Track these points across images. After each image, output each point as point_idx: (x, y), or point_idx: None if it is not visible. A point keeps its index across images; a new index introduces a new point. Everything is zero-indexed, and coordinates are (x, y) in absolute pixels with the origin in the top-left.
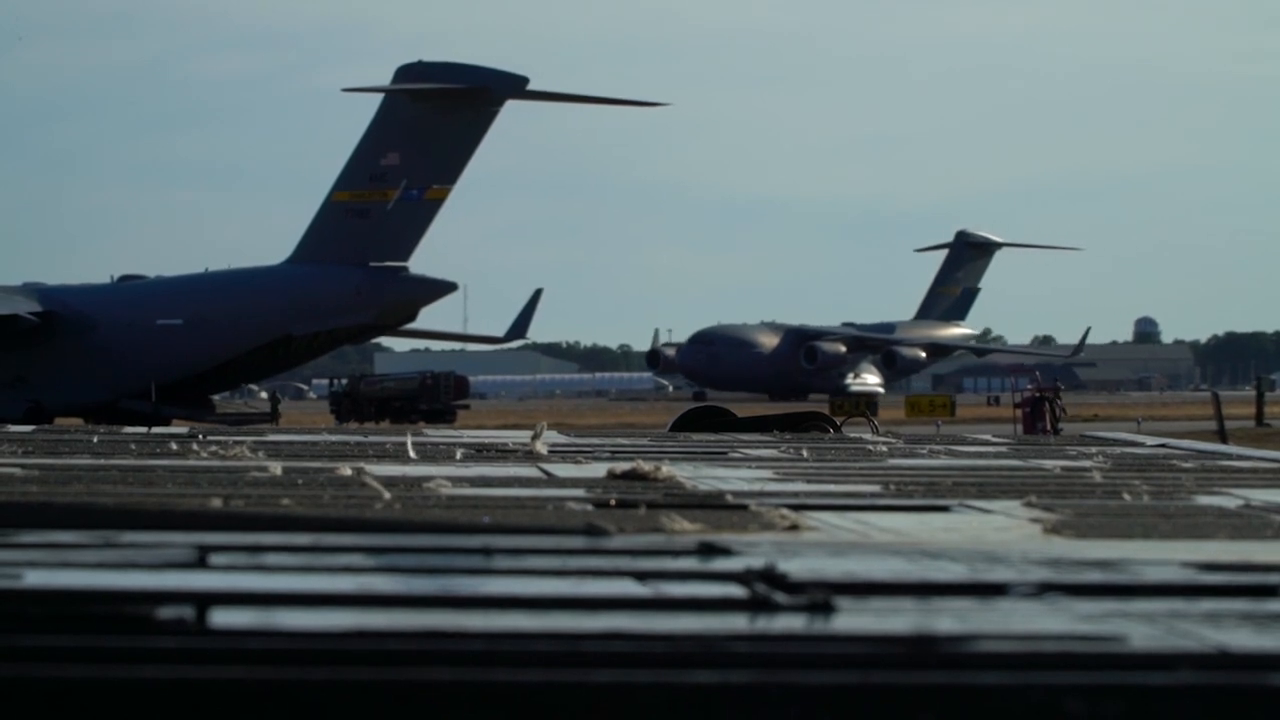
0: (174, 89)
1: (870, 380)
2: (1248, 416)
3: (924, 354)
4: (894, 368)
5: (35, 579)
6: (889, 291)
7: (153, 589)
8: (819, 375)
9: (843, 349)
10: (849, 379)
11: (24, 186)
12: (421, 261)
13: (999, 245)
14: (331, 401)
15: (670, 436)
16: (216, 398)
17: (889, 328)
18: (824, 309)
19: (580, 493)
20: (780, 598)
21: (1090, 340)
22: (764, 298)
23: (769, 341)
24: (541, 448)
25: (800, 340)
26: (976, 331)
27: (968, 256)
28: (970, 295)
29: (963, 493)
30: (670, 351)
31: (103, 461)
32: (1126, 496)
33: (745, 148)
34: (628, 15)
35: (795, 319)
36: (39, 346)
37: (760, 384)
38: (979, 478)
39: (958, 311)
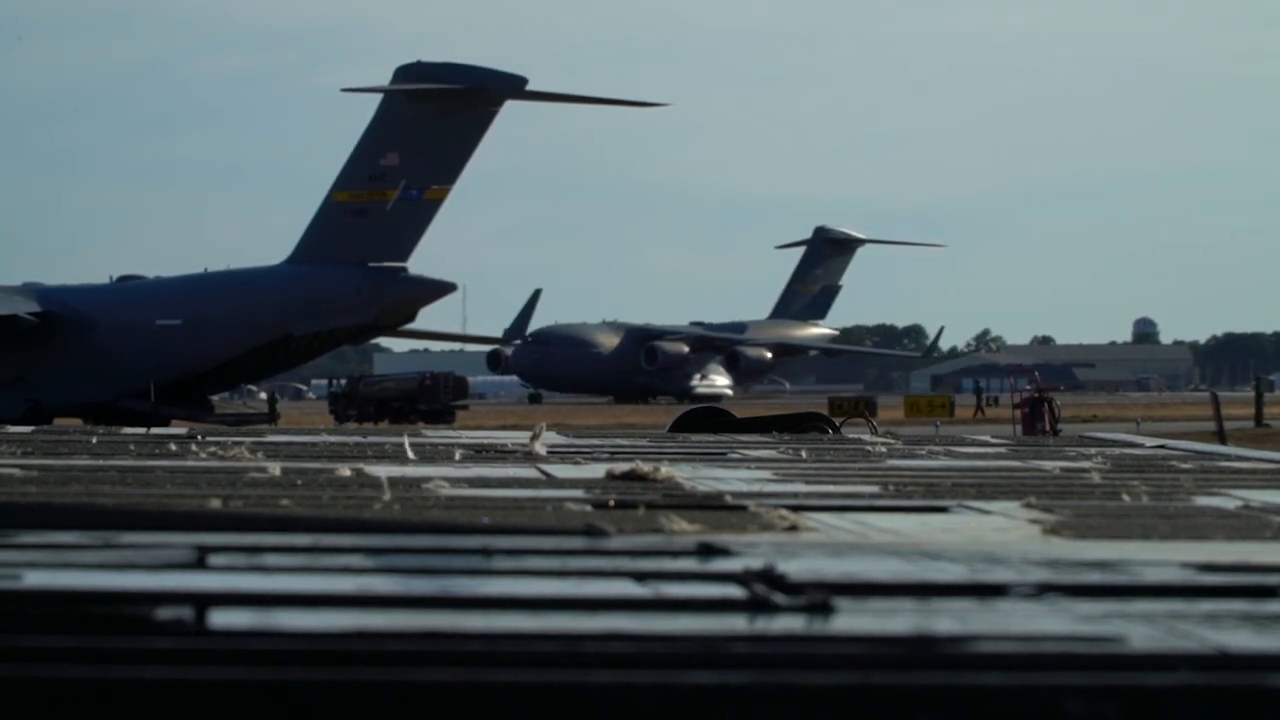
0: (174, 89)
1: (719, 382)
2: (1247, 417)
3: (770, 355)
4: (738, 369)
5: (34, 580)
6: (888, 290)
7: (152, 590)
8: (660, 376)
9: (685, 349)
10: (695, 380)
11: (24, 186)
12: (421, 262)
13: (861, 242)
14: (330, 402)
15: (669, 437)
16: (215, 398)
17: (740, 327)
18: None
19: (579, 493)
20: (779, 598)
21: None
22: (762, 297)
23: (608, 342)
24: (540, 448)
25: (642, 340)
26: (835, 331)
27: (827, 254)
28: (830, 293)
29: (962, 493)
30: (510, 351)
31: (102, 462)
32: (1125, 497)
33: (745, 148)
34: (628, 15)
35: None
36: (38, 346)
37: (599, 385)
38: (978, 478)
39: (817, 310)
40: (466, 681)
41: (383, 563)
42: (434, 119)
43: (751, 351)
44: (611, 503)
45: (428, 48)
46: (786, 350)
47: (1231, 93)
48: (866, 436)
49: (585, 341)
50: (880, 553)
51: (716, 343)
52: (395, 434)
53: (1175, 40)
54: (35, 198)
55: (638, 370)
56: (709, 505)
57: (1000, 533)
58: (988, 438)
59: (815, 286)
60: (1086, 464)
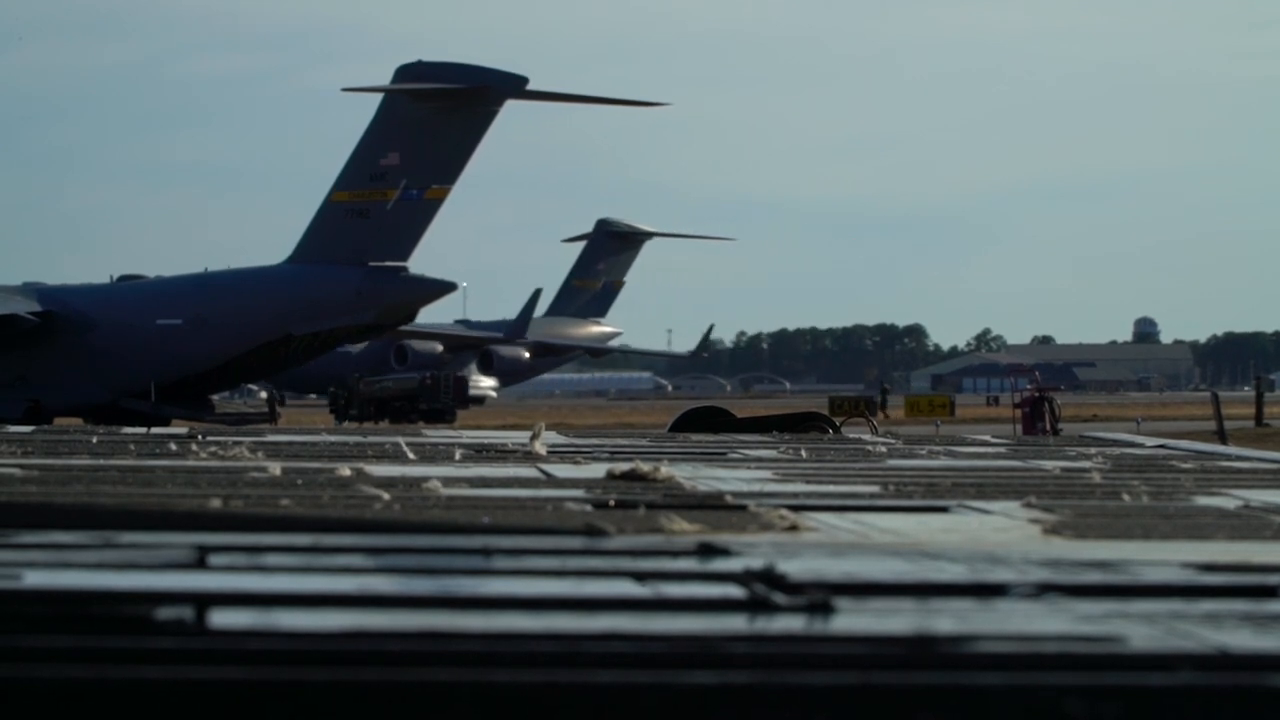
0: (173, 89)
1: (483, 383)
2: (1247, 417)
3: (528, 354)
4: (494, 369)
5: (35, 579)
6: (884, 290)
7: (152, 589)
8: None
9: (439, 349)
10: None
11: (24, 186)
12: (421, 261)
13: (648, 235)
14: (331, 402)
15: (669, 437)
16: (216, 398)
17: (509, 326)
18: (815, 309)
19: (579, 493)
20: (779, 598)
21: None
22: (761, 298)
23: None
24: (540, 448)
25: (393, 339)
26: (619, 330)
27: (611, 248)
28: (612, 289)
29: (962, 493)
30: None
31: (102, 462)
32: (1126, 497)
33: (745, 148)
34: (628, 15)
35: (784, 319)
36: (39, 346)
37: None
38: (978, 478)
39: (598, 307)
40: (467, 681)
41: (383, 563)
42: (435, 119)
43: (506, 351)
44: (612, 502)
45: (428, 48)
46: (547, 350)
47: (1231, 92)
48: (867, 436)
49: None
50: (880, 553)
51: (472, 342)
52: (395, 434)
53: (1174, 40)
54: (35, 198)
55: (389, 371)
56: (709, 505)
57: (1000, 533)
58: (988, 438)
59: (597, 283)
60: (1087, 464)
